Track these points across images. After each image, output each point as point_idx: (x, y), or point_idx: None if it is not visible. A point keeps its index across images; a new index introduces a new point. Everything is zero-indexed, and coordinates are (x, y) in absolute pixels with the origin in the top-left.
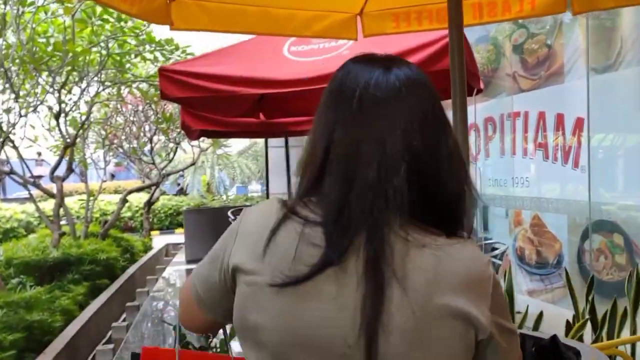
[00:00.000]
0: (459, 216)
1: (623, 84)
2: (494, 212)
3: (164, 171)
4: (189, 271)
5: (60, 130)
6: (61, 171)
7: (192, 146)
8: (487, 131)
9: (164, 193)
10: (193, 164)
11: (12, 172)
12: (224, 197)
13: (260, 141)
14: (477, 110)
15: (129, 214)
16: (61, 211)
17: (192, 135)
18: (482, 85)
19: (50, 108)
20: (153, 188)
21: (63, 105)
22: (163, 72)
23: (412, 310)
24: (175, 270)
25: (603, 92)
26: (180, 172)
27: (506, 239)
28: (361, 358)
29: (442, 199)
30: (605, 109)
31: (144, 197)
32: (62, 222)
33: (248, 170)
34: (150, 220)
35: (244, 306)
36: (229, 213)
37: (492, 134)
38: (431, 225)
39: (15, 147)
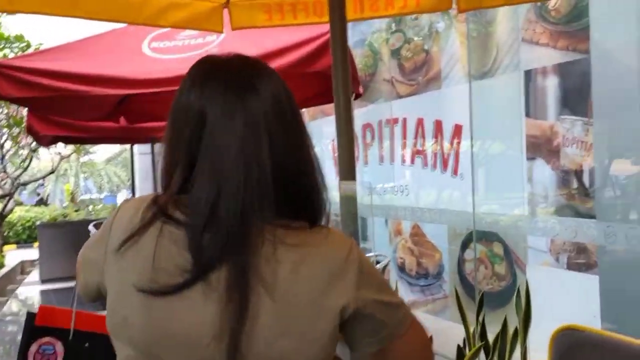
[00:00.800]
0: (320, 206)
1: (500, 89)
2: (373, 222)
3: (18, 180)
4: (43, 292)
5: None
6: None
7: (50, 153)
8: (365, 138)
9: (20, 204)
10: (52, 171)
11: None
12: (90, 207)
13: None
14: (355, 116)
15: None
16: None
17: (43, 141)
18: (361, 90)
19: None
20: (6, 199)
21: None
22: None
23: (278, 312)
24: (29, 291)
25: (481, 98)
26: (40, 181)
27: (386, 249)
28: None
29: (303, 192)
30: (483, 115)
31: None
32: None
33: (117, 179)
34: (5, 233)
35: (115, 300)
36: (91, 227)
37: (370, 140)
38: (294, 218)
39: None
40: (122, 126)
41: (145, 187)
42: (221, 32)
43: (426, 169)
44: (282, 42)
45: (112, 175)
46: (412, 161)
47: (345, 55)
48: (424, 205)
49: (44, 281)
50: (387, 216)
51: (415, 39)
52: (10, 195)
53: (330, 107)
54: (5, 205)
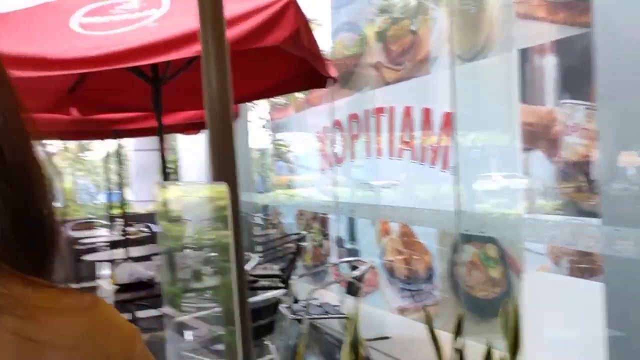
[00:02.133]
0: (54, 252)
1: (492, 72)
2: (361, 220)
3: None
4: None
5: None
6: None
7: None
8: (351, 130)
9: None
10: None
11: None
12: (91, 205)
13: (129, 144)
14: (341, 106)
15: None
16: None
17: None
18: (334, 73)
19: None
20: None
21: None
22: None
23: None
24: None
25: (470, 82)
26: None
27: (374, 250)
28: None
29: (37, 228)
30: (472, 101)
31: None
32: None
33: (115, 176)
34: None
35: None
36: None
37: (356, 132)
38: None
39: None
40: (74, 118)
41: (143, 185)
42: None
43: (415, 163)
44: (229, 13)
45: (111, 173)
46: (400, 154)
47: (221, 26)
48: (413, 202)
49: None
50: (375, 215)
51: (402, 18)
52: None
53: (316, 96)
54: None
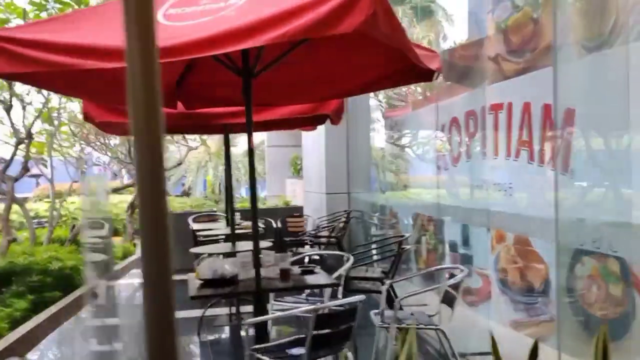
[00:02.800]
0: None
1: (620, 64)
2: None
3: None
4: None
5: (12, 123)
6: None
7: (177, 143)
8: (468, 127)
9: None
10: (180, 164)
11: None
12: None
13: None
14: (458, 102)
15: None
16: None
17: (106, 129)
18: (437, 65)
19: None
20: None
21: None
22: None
23: None
24: (128, 284)
25: (595, 75)
26: (183, 173)
27: (488, 257)
28: None
29: None
30: (597, 97)
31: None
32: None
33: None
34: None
35: None
36: (190, 220)
37: (473, 130)
38: None
39: None
40: (182, 112)
41: (276, 181)
42: None
43: (532, 164)
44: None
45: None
46: (517, 155)
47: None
48: (528, 209)
49: None
50: (488, 222)
51: (523, 5)
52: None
53: (435, 93)
54: (135, 198)
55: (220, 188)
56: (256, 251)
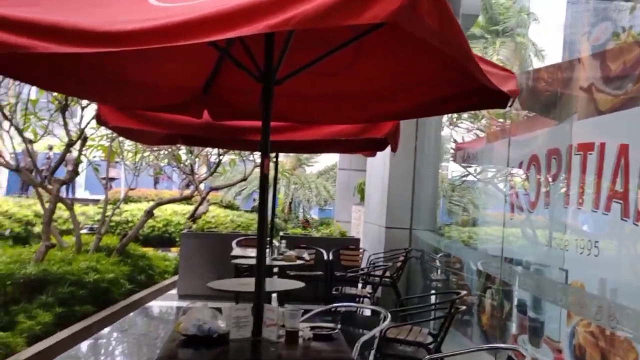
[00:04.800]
0: None
1: None
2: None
3: (202, 184)
4: (179, 309)
5: (65, 124)
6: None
7: (244, 159)
8: (549, 169)
9: (231, 207)
10: (244, 179)
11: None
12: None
13: (339, 161)
14: (539, 138)
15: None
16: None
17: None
18: (515, 87)
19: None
20: (199, 200)
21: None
22: None
23: None
24: (163, 306)
25: None
26: (255, 188)
27: (562, 328)
28: None
29: None
30: None
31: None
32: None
33: (326, 193)
34: None
35: None
36: (234, 243)
37: (555, 172)
38: None
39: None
40: (206, 122)
41: (344, 204)
42: None
43: (627, 222)
44: None
45: (322, 188)
46: (608, 208)
47: None
48: (620, 276)
49: (180, 297)
50: (556, 296)
51: (629, 27)
52: (203, 198)
53: (514, 126)
54: (197, 207)
55: (291, 207)
56: (257, 302)
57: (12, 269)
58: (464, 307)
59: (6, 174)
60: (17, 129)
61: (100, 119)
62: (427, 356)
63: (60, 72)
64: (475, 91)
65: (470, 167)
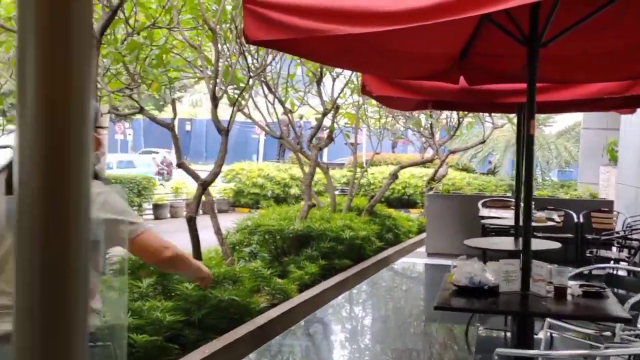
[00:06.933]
0: None
1: None
2: None
3: (442, 147)
4: (428, 266)
5: (320, 94)
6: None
7: (484, 122)
8: None
9: (467, 170)
10: (483, 142)
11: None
12: (539, 180)
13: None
14: None
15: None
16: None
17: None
18: None
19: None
20: (439, 163)
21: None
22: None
23: None
24: (410, 263)
25: None
26: (491, 150)
27: None
28: None
29: None
30: None
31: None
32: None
33: (567, 154)
34: None
35: None
36: (479, 204)
37: None
38: None
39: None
40: (464, 88)
41: (590, 167)
42: None
43: None
44: None
45: (562, 150)
46: None
47: None
48: None
49: (429, 254)
50: None
51: None
52: (442, 161)
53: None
54: (437, 170)
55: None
56: (526, 259)
57: (282, 225)
58: None
59: (262, 142)
60: (279, 100)
61: (365, 89)
62: None
63: (343, 50)
64: None
65: None
